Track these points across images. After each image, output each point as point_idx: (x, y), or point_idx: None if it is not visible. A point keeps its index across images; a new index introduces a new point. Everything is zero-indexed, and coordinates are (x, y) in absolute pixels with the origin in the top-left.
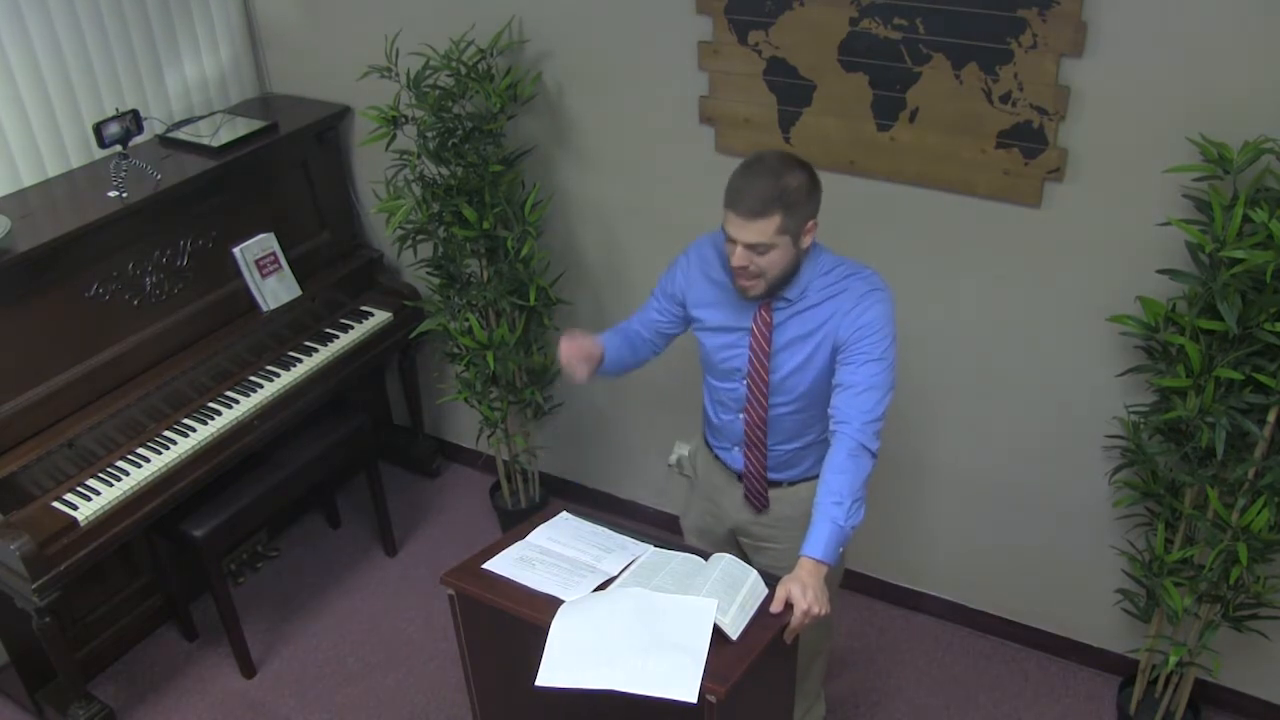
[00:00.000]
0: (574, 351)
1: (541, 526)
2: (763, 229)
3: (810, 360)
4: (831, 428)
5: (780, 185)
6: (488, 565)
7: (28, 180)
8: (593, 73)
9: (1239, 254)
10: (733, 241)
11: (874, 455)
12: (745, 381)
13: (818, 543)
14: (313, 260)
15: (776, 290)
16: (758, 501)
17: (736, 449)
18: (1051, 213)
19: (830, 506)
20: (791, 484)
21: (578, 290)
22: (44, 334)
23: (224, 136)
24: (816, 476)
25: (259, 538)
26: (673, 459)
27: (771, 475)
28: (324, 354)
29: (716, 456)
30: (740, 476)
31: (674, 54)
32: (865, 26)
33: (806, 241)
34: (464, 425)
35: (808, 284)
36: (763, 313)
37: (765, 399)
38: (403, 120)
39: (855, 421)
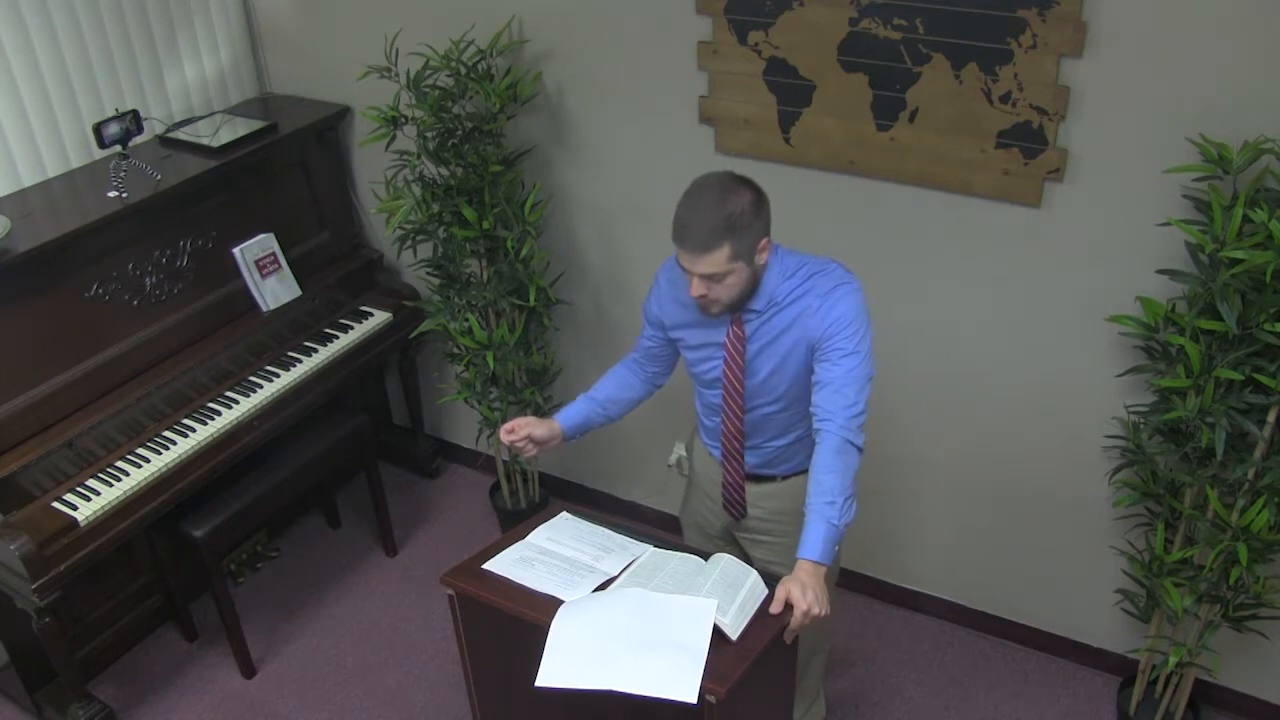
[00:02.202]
0: (513, 438)
1: (541, 526)
2: (714, 260)
3: (785, 362)
4: (815, 425)
5: (725, 213)
6: (488, 565)
7: (28, 180)
8: (593, 73)
9: (1239, 254)
10: (688, 272)
11: (860, 449)
12: (723, 390)
13: (814, 544)
14: (313, 260)
15: (741, 305)
16: (735, 510)
17: (721, 464)
18: (1051, 213)
19: (824, 507)
20: (785, 478)
21: (578, 290)
22: (44, 334)
23: (224, 136)
24: (805, 471)
25: (259, 538)
26: (673, 459)
27: (765, 471)
28: (324, 354)
29: (710, 453)
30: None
31: (674, 54)
32: (865, 26)
33: (762, 259)
34: (464, 425)
35: (773, 291)
36: (734, 328)
37: (741, 411)
38: (403, 120)
39: (839, 418)
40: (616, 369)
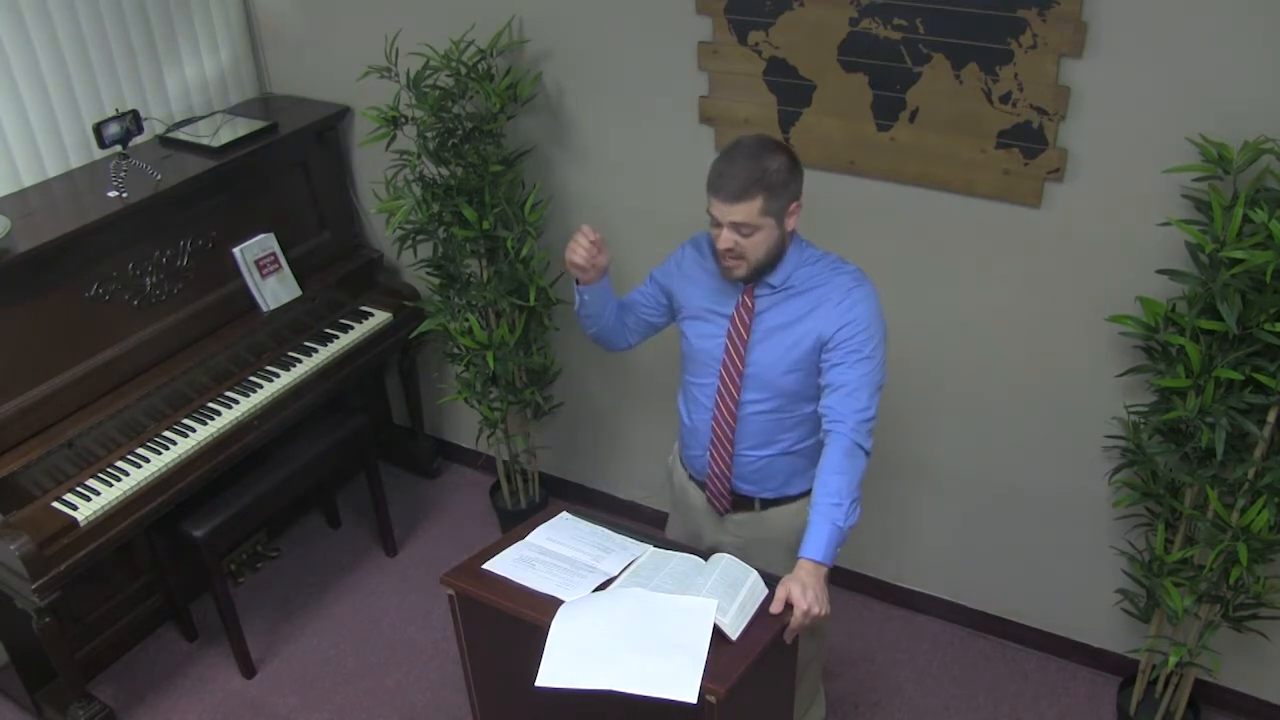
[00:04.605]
0: (585, 239)
1: (541, 526)
2: (746, 210)
3: (790, 351)
4: (826, 427)
5: (761, 167)
6: (488, 565)
7: (28, 180)
8: (592, 73)
9: (1239, 254)
10: (718, 225)
11: (868, 453)
12: (719, 373)
13: (818, 544)
14: (313, 260)
15: (761, 274)
16: (719, 504)
17: (709, 451)
18: (1051, 213)
19: (829, 508)
20: (764, 505)
21: None
22: (44, 334)
23: (224, 137)
24: (787, 499)
25: (259, 538)
26: (672, 459)
27: (743, 487)
28: (324, 354)
29: (691, 477)
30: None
31: (674, 54)
32: (865, 26)
33: (791, 224)
34: (464, 425)
35: (792, 271)
36: (745, 299)
37: (737, 393)
38: (403, 120)
39: (850, 421)
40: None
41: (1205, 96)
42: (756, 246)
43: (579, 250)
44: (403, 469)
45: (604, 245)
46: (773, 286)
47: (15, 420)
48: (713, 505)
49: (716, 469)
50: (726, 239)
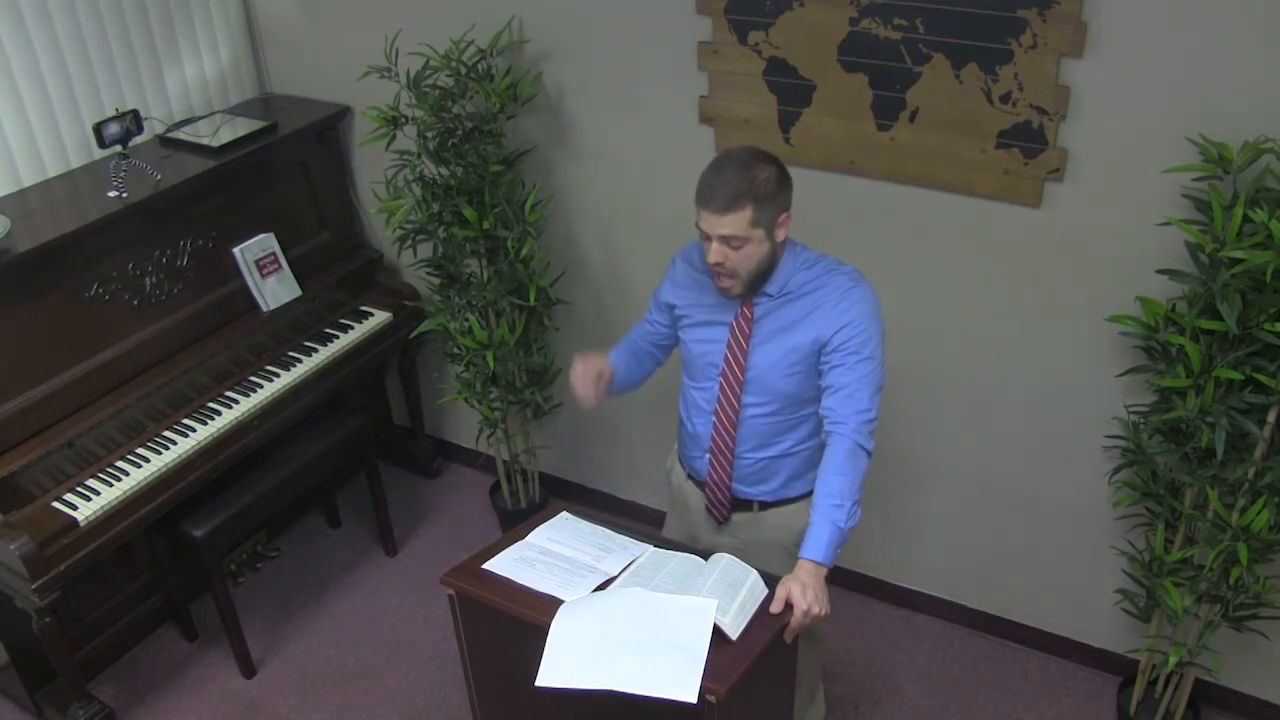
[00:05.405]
0: (587, 375)
1: (541, 526)
2: (735, 222)
3: (789, 354)
4: (827, 428)
5: (749, 179)
6: (488, 565)
7: (28, 180)
8: (592, 73)
9: (1239, 254)
10: (708, 238)
11: (869, 454)
12: (719, 380)
13: (818, 545)
14: (313, 260)
15: (756, 287)
16: (718, 513)
17: (708, 456)
18: (1051, 213)
19: (830, 509)
20: (763, 507)
21: (578, 290)
22: (44, 334)
23: (224, 136)
24: (786, 501)
25: (259, 538)
26: (670, 460)
27: (742, 490)
28: (324, 354)
29: (690, 476)
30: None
31: (674, 54)
32: (865, 26)
33: (781, 235)
34: (464, 425)
35: (788, 277)
36: (744, 309)
37: (738, 400)
38: (403, 120)
39: (851, 422)
40: (625, 346)
41: (1205, 96)
42: (747, 259)
43: (582, 387)
44: (403, 469)
45: (604, 371)
46: (770, 295)
47: (15, 420)
48: (711, 514)
49: (716, 476)
50: (716, 252)
